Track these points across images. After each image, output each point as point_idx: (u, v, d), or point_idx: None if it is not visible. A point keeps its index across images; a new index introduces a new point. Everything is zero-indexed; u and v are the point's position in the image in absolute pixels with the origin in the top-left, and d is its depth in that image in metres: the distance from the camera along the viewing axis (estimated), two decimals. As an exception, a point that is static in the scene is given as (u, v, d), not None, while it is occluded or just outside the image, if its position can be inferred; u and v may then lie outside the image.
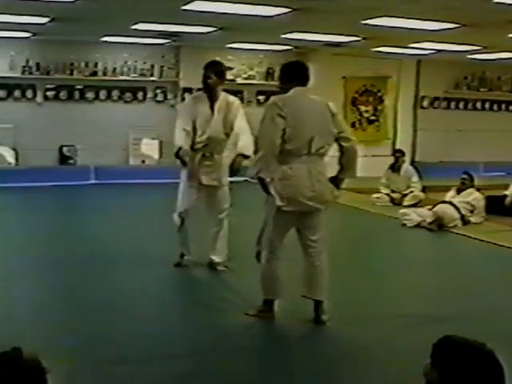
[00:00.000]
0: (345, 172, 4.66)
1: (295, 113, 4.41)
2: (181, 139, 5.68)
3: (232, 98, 5.94)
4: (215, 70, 5.81)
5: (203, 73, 5.82)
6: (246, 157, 5.52)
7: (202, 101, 5.83)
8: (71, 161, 11.77)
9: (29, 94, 11.47)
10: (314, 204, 4.48)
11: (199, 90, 6.14)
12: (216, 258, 5.99)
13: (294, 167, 4.43)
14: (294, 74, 4.59)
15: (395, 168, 10.25)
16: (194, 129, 5.78)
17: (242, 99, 12.26)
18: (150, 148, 12.24)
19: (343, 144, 4.59)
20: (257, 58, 12.79)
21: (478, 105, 14.75)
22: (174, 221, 5.95)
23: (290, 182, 4.43)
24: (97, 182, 11.70)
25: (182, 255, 6.04)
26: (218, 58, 10.94)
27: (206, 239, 6.01)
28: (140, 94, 12.22)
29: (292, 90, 4.51)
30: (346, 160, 4.63)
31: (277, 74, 12.70)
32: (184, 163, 5.73)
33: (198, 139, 5.78)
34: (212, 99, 5.81)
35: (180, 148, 5.63)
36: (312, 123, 4.44)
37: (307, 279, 4.62)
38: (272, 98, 4.58)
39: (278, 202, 4.43)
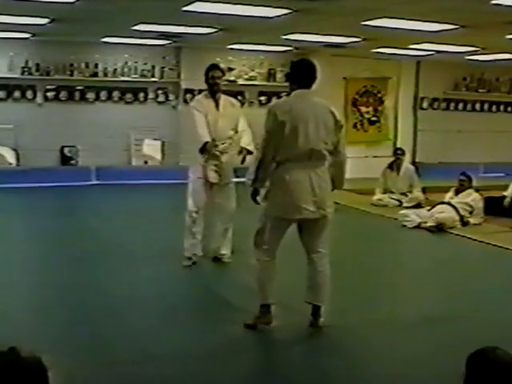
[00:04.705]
0: (335, 185, 4.56)
1: (295, 118, 4.25)
2: (206, 136, 5.84)
3: (232, 99, 6.23)
4: (221, 70, 6.12)
5: (212, 74, 5.96)
6: (250, 152, 5.89)
7: (209, 101, 6.04)
8: (72, 161, 11.80)
9: (29, 94, 11.48)
10: (316, 210, 4.35)
11: (201, 91, 6.43)
12: (224, 251, 6.22)
13: (293, 173, 4.30)
14: (296, 74, 4.44)
15: (394, 167, 10.15)
16: None
17: (243, 100, 12.35)
18: (152, 149, 12.26)
19: (334, 157, 4.48)
20: (258, 58, 12.81)
21: (477, 106, 14.77)
22: (185, 221, 6.03)
23: (288, 189, 4.31)
24: (98, 182, 11.71)
25: (190, 258, 6.07)
26: (218, 59, 11.05)
27: (212, 236, 6.25)
28: (141, 95, 12.23)
29: (293, 94, 4.40)
30: (336, 173, 4.55)
31: (278, 74, 12.84)
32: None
33: None
34: (216, 99, 6.02)
35: (207, 142, 5.80)
36: (313, 129, 4.27)
37: (311, 285, 4.51)
38: (271, 104, 4.58)
39: (276, 212, 4.37)
